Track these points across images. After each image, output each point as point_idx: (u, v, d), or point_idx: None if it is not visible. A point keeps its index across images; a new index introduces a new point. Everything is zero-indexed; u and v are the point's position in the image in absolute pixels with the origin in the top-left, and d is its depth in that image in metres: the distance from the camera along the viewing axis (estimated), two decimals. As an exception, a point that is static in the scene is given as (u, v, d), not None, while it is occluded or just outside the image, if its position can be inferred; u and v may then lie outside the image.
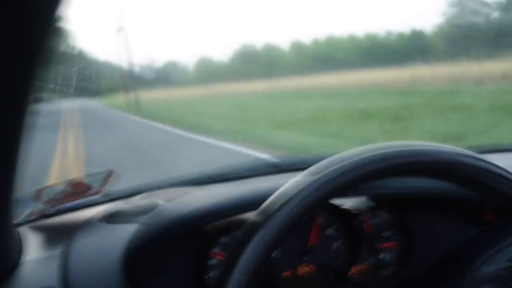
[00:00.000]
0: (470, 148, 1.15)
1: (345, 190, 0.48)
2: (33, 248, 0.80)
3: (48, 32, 0.41)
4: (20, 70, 0.43)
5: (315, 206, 0.47)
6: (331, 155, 0.53)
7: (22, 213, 0.88)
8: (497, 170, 0.50)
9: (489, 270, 0.79)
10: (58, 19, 0.41)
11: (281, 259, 0.81)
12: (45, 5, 0.38)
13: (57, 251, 0.76)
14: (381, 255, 0.87)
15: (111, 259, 0.72)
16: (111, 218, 0.83)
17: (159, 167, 5.35)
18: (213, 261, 0.78)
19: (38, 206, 0.87)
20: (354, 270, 0.86)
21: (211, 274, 0.77)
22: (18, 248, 0.76)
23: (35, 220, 0.91)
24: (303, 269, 0.83)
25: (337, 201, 0.85)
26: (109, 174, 0.94)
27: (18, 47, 0.40)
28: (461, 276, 0.80)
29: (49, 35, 0.42)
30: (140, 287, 0.71)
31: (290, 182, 0.48)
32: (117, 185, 1.04)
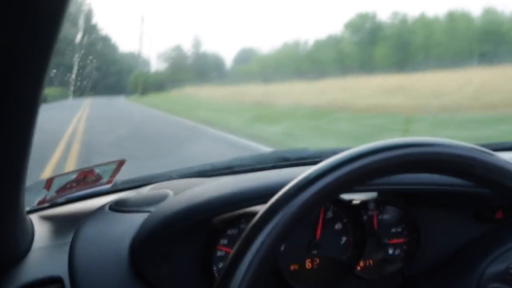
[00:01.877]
0: (483, 145, 1.14)
1: (357, 184, 0.48)
2: (43, 236, 0.81)
3: (61, 19, 0.41)
4: (31, 59, 0.43)
5: (327, 199, 0.47)
6: (342, 149, 0.53)
7: (34, 201, 0.90)
8: (509, 167, 0.49)
9: (497, 269, 0.78)
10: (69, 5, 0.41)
11: (289, 252, 0.81)
12: None
13: (66, 239, 0.77)
14: (388, 251, 0.87)
15: (119, 249, 0.73)
16: (120, 207, 0.84)
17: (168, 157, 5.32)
18: (220, 253, 0.78)
19: (49, 194, 0.89)
20: (360, 265, 0.86)
21: (219, 266, 0.78)
22: (28, 236, 0.78)
23: (46, 208, 0.92)
24: (310, 263, 0.83)
25: (346, 196, 0.85)
26: (119, 164, 0.95)
27: (29, 34, 0.40)
28: (468, 273, 0.80)
29: (61, 22, 0.42)
30: (146, 277, 0.72)
31: (303, 175, 0.47)
32: (127, 175, 1.05)
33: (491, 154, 0.49)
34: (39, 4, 0.38)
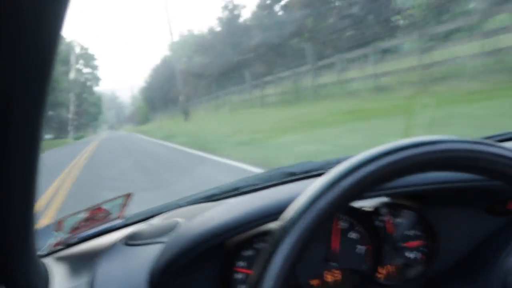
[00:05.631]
0: (485, 137, 1.14)
1: (367, 191, 0.48)
2: (60, 279, 0.80)
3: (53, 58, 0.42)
4: (28, 101, 0.44)
5: (339, 209, 0.47)
6: (346, 158, 0.53)
7: (45, 244, 0.89)
8: None
9: None
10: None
11: (308, 268, 0.80)
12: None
13: (83, 279, 0.76)
14: (407, 254, 0.86)
15: (137, 282, 0.73)
16: (133, 241, 0.84)
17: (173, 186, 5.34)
18: (238, 276, 0.78)
19: (61, 236, 0.88)
20: (380, 271, 0.85)
21: None
22: (44, 280, 0.77)
23: (59, 250, 0.92)
24: (330, 276, 0.82)
25: (357, 204, 0.84)
26: (127, 198, 0.95)
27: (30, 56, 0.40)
28: (489, 268, 0.79)
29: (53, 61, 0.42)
30: None
31: (312, 187, 0.47)
32: (137, 208, 1.05)
33: (493, 145, 0.49)
34: (31, 43, 0.39)
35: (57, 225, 0.87)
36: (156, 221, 0.92)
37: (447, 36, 10.29)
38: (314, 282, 0.81)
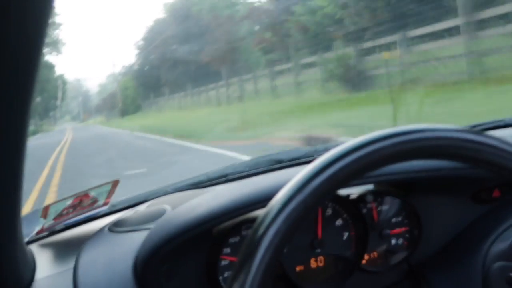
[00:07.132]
0: (470, 126, 1.15)
1: (354, 178, 0.48)
2: (45, 265, 0.80)
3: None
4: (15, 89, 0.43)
5: (326, 197, 0.47)
6: (334, 145, 0.53)
7: (32, 231, 0.89)
8: (498, 144, 0.50)
9: (500, 248, 0.79)
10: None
11: (293, 254, 0.81)
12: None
13: (69, 265, 0.76)
14: (392, 242, 0.87)
15: (122, 269, 0.73)
16: (119, 228, 0.83)
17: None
18: (224, 262, 0.78)
19: (47, 223, 0.88)
20: (365, 258, 0.86)
21: (224, 275, 0.78)
22: (30, 266, 0.77)
23: (45, 236, 0.92)
24: (315, 262, 0.83)
25: (343, 191, 0.85)
26: (114, 185, 0.95)
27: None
28: (472, 255, 0.81)
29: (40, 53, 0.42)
30: None
31: (299, 175, 0.47)
32: (123, 195, 1.04)
33: (477, 133, 0.50)
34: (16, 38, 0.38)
35: (43, 211, 0.87)
36: (142, 208, 0.92)
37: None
38: (299, 268, 0.82)
